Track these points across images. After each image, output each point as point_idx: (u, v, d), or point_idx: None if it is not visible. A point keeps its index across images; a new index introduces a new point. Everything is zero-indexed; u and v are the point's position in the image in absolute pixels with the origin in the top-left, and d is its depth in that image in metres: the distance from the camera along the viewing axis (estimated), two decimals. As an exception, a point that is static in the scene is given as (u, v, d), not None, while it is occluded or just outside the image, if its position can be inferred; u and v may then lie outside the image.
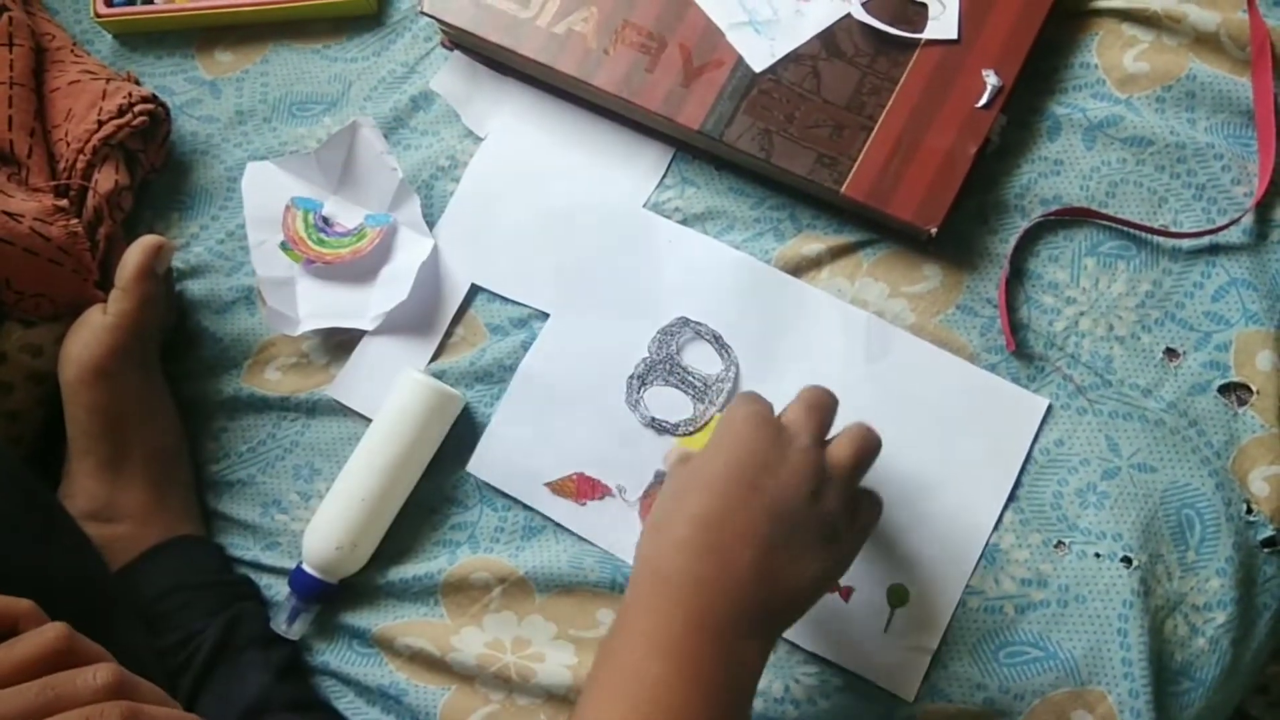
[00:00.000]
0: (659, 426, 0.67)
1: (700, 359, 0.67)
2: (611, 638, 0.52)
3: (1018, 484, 0.64)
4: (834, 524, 0.54)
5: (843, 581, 0.64)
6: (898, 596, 0.64)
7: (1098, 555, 0.62)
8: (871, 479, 0.65)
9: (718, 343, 0.67)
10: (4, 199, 0.66)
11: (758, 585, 0.51)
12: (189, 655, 0.64)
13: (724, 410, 0.54)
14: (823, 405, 0.56)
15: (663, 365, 0.67)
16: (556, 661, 0.65)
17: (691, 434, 0.66)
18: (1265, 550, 0.62)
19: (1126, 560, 0.62)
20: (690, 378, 0.66)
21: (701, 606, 0.50)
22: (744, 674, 0.51)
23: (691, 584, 0.50)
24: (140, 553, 0.66)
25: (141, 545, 0.66)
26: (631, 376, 0.67)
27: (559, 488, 0.67)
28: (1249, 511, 0.62)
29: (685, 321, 0.67)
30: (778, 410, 0.56)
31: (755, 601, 0.51)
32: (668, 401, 0.67)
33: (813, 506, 0.53)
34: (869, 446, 0.56)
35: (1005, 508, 0.64)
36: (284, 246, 0.71)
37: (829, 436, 0.57)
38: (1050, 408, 0.65)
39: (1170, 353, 0.65)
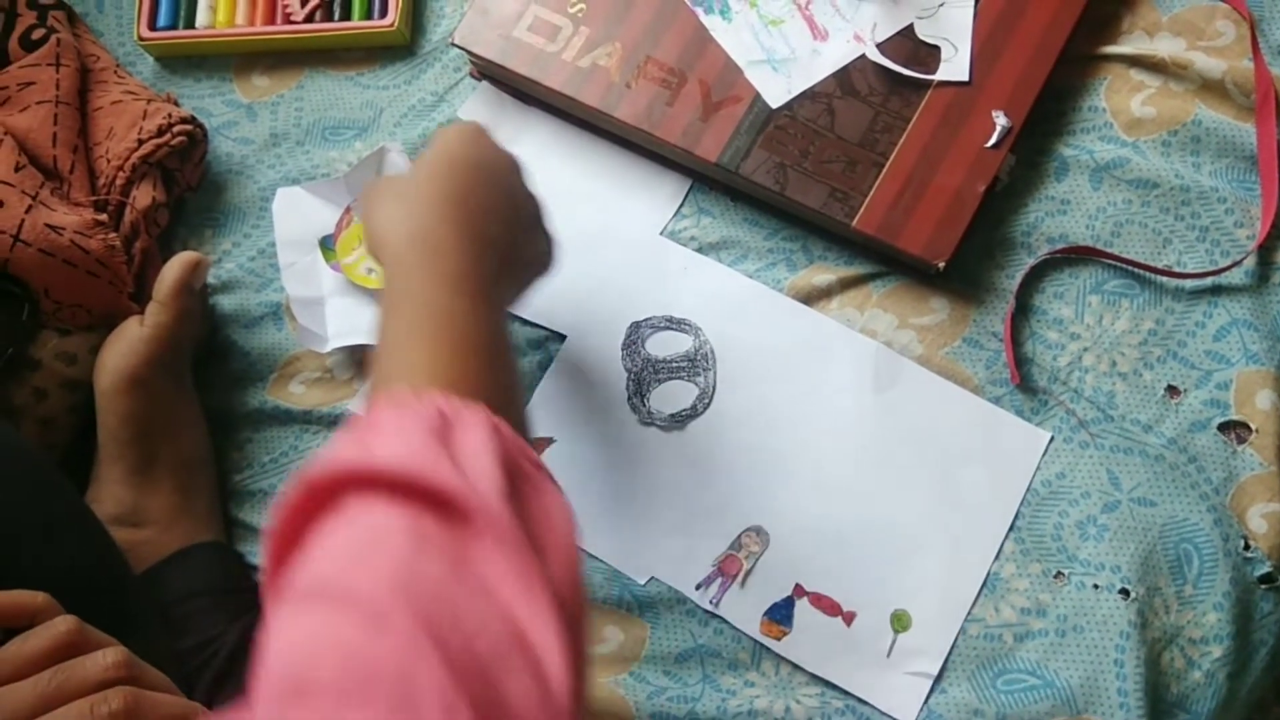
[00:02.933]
0: (680, 419, 0.69)
1: (668, 345, 0.70)
2: (388, 304, 0.52)
3: (1019, 514, 0.65)
4: (521, 190, 0.59)
5: (846, 606, 0.65)
6: (900, 622, 0.65)
7: (1096, 586, 0.63)
8: (876, 507, 0.67)
9: (672, 323, 0.70)
10: (46, 212, 0.69)
11: (499, 256, 0.54)
12: (208, 658, 0.65)
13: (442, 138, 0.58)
14: None
15: (645, 371, 0.69)
16: (563, 676, 0.66)
17: None
18: (1263, 586, 0.63)
19: (1124, 592, 0.63)
20: (674, 364, 0.69)
21: (466, 266, 0.52)
22: (505, 326, 0.54)
23: (456, 246, 0.52)
24: (163, 557, 0.68)
25: (165, 550, 0.68)
26: (629, 397, 0.69)
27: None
28: (1247, 548, 0.63)
29: (636, 325, 0.70)
30: None
31: (500, 268, 0.54)
32: (671, 395, 0.69)
33: (532, 199, 0.59)
34: None
35: (1006, 537, 0.65)
36: (324, 242, 0.74)
37: None
38: (1052, 440, 0.66)
39: (1171, 390, 0.66)
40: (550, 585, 0.38)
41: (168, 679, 0.48)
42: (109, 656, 0.47)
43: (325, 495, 0.40)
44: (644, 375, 0.70)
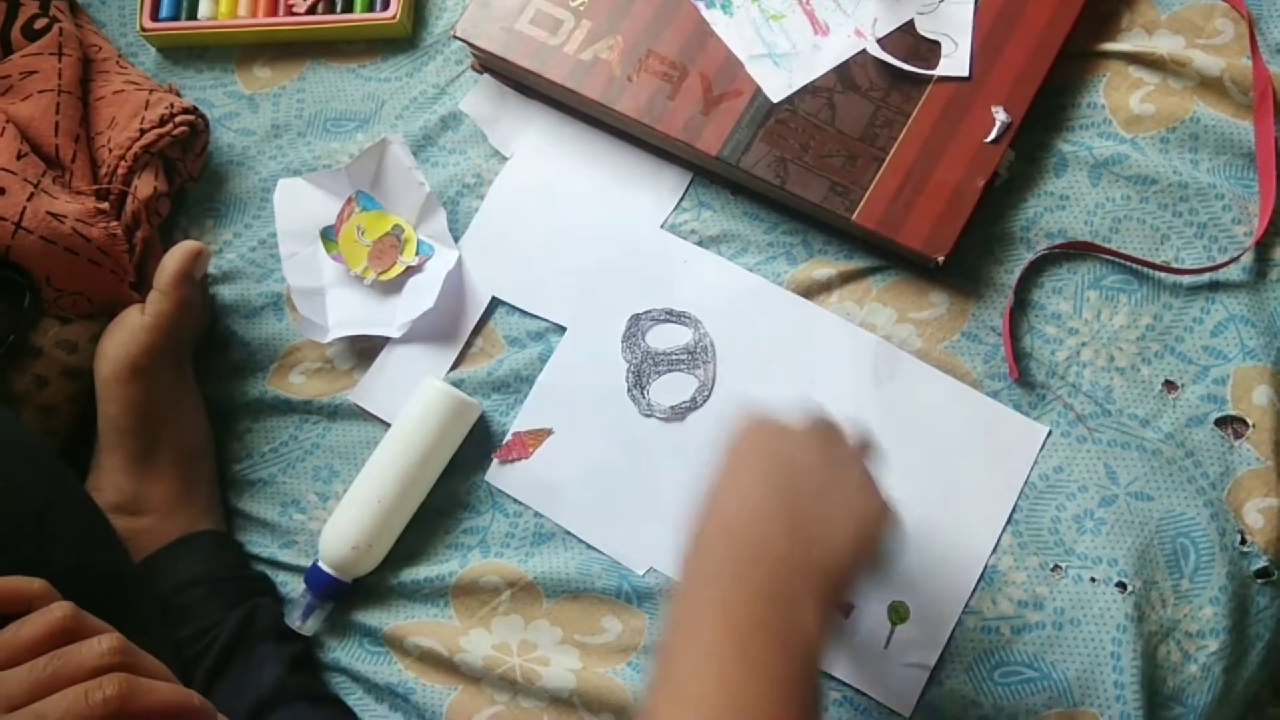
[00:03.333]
0: (680, 411, 0.69)
1: (668, 337, 0.70)
2: (669, 644, 0.50)
3: (1017, 508, 0.66)
4: (853, 474, 0.54)
5: (844, 598, 0.66)
6: (898, 614, 0.65)
7: (1093, 580, 0.64)
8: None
9: (672, 316, 0.70)
10: (48, 200, 0.69)
11: (793, 546, 0.50)
12: (205, 646, 0.65)
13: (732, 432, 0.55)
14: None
15: (645, 363, 0.69)
16: (561, 666, 0.66)
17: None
18: (1259, 581, 0.63)
19: (1121, 585, 0.63)
20: (674, 357, 0.69)
21: (750, 588, 0.49)
22: (804, 640, 0.49)
23: (731, 574, 0.50)
24: (163, 545, 0.68)
25: (164, 538, 0.68)
26: (629, 389, 0.70)
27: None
28: (1243, 542, 0.64)
29: (636, 318, 0.71)
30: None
31: (797, 564, 0.50)
32: (671, 387, 0.70)
33: (826, 464, 0.53)
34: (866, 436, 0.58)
35: (1004, 531, 0.65)
36: (325, 233, 0.74)
37: None
38: (1050, 435, 0.66)
39: (1169, 385, 0.66)
40: None
41: (164, 666, 0.49)
42: (104, 643, 0.47)
43: None
44: (644, 367, 0.70)
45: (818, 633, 0.49)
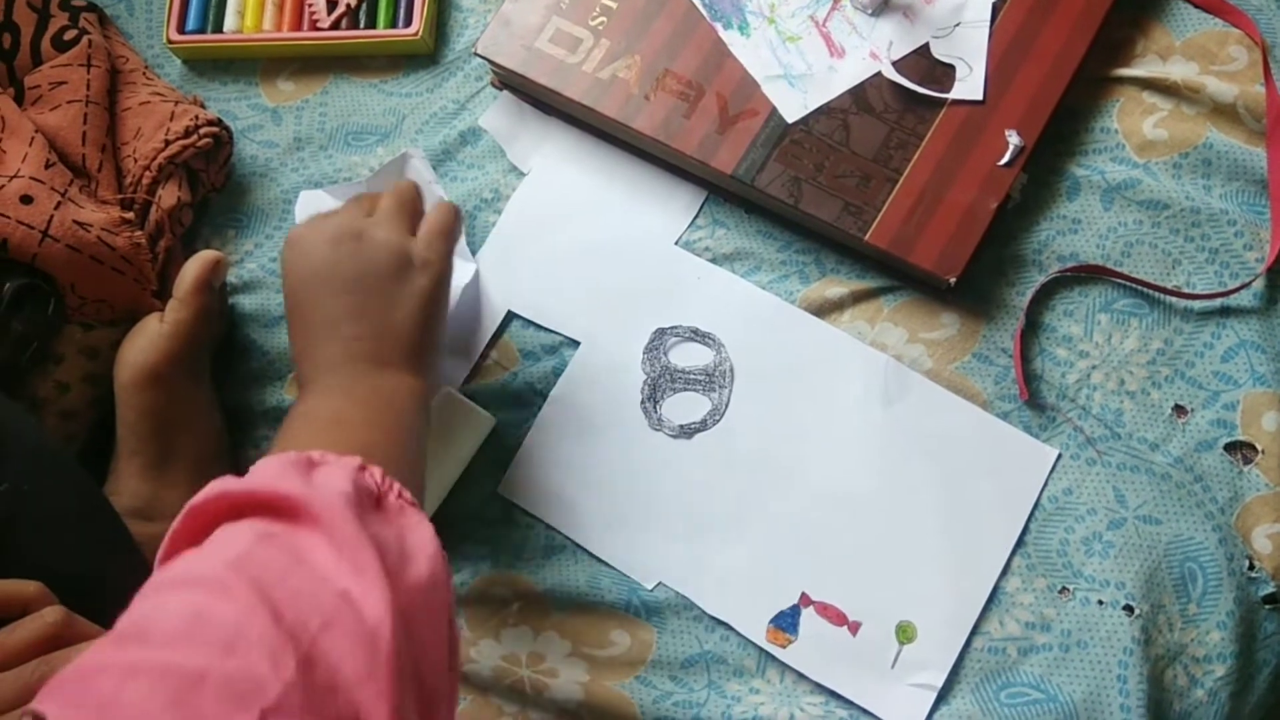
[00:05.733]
0: (688, 430, 0.70)
1: (690, 356, 0.71)
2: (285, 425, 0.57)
3: (1026, 530, 0.66)
4: (396, 253, 0.59)
5: (851, 616, 0.66)
6: (906, 634, 0.66)
7: (1101, 602, 0.64)
8: (883, 519, 0.68)
9: (697, 335, 0.71)
10: (74, 209, 0.70)
11: (369, 337, 0.58)
12: (218, 651, 0.66)
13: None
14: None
15: (663, 378, 0.70)
16: (569, 678, 0.67)
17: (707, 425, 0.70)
18: (1266, 607, 0.63)
19: (1128, 609, 0.63)
20: (691, 375, 0.70)
21: (339, 363, 0.58)
22: (398, 398, 0.58)
23: (323, 363, 0.58)
24: (178, 551, 0.69)
25: (179, 544, 0.69)
26: (642, 401, 0.70)
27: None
28: (1251, 568, 0.64)
29: (661, 332, 0.71)
30: None
31: (374, 347, 0.58)
32: (684, 405, 0.70)
33: (361, 255, 0.59)
34: (404, 192, 0.63)
35: (1013, 552, 0.66)
36: None
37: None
38: (1060, 457, 0.67)
39: (1179, 409, 0.67)
40: (385, 570, 0.43)
41: None
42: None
43: (204, 520, 0.46)
44: (660, 382, 0.71)
45: (411, 392, 0.58)
